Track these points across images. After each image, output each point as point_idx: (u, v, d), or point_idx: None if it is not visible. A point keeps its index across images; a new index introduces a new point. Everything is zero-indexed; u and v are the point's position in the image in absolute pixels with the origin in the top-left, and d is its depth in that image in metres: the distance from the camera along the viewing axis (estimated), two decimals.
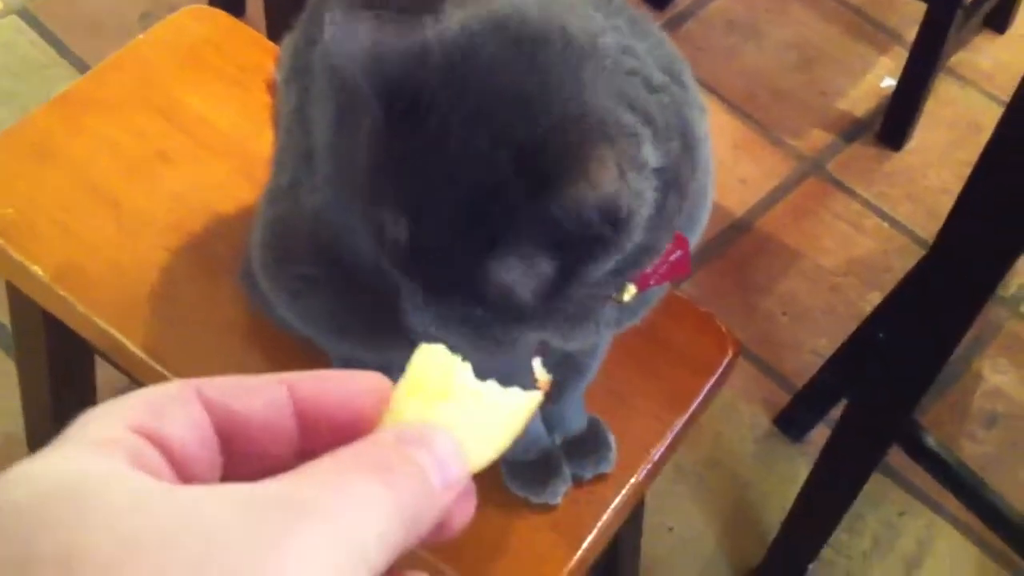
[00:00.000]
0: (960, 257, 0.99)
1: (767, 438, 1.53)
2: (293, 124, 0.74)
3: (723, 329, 0.89)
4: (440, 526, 0.32)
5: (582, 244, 0.56)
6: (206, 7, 1.06)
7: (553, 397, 0.81)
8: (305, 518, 0.28)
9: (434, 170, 0.55)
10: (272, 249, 0.78)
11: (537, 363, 0.45)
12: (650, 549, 1.39)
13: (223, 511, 0.27)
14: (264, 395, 0.33)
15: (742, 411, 1.55)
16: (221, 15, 1.04)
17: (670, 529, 1.44)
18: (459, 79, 0.55)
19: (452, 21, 0.56)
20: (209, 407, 0.32)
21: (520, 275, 0.56)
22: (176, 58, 1.01)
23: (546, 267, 0.56)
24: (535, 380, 0.42)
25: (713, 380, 0.87)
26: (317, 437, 0.34)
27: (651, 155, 0.56)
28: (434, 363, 0.36)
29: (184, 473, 0.31)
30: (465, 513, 0.34)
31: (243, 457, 0.33)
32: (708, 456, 1.51)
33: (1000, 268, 1.00)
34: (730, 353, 0.88)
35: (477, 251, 0.55)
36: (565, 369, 0.79)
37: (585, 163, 0.52)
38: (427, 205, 0.56)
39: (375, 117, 0.56)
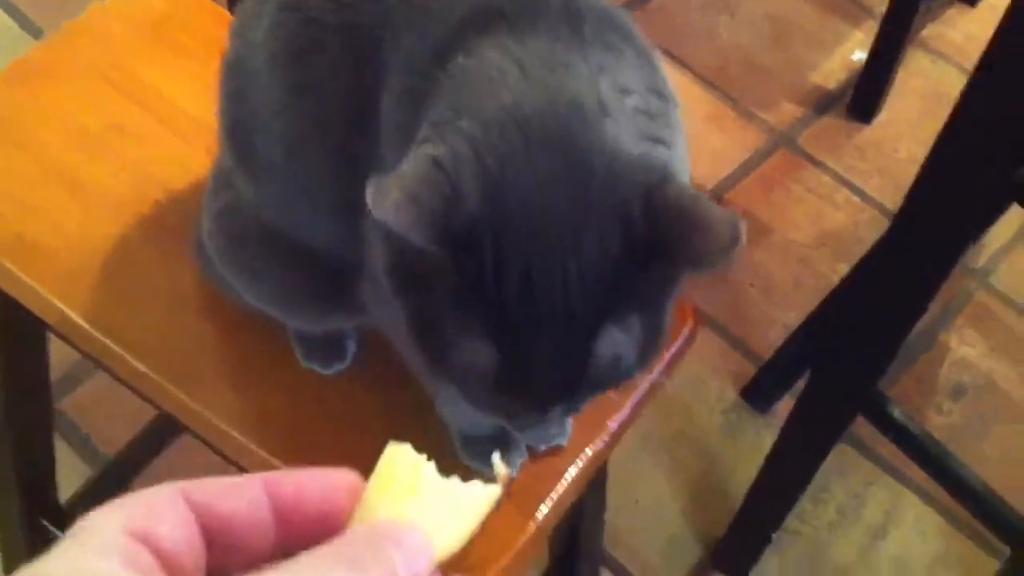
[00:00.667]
0: (924, 227, 0.99)
1: (734, 410, 1.53)
2: (228, 103, 0.73)
3: (683, 299, 0.89)
4: None
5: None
6: None
7: None
8: None
9: (525, 296, 0.53)
10: (224, 236, 0.77)
11: (496, 457, 0.47)
12: (616, 521, 1.39)
13: None
14: (246, 495, 0.37)
15: (710, 384, 1.55)
16: None
17: (636, 501, 1.44)
18: (504, 197, 0.53)
19: (455, 141, 0.55)
20: (195, 508, 0.36)
21: (623, 342, 0.55)
22: (135, 29, 0.99)
23: (637, 323, 0.55)
24: (495, 475, 0.44)
25: (674, 350, 0.87)
26: (293, 529, 0.37)
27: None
28: (402, 460, 0.39)
29: (174, 570, 0.35)
30: None
31: (225, 550, 0.37)
32: (675, 429, 1.51)
33: (964, 238, 1.00)
34: (690, 323, 0.88)
35: (583, 349, 0.55)
36: None
37: (687, 208, 0.53)
38: (525, 329, 0.54)
39: (435, 262, 0.54)
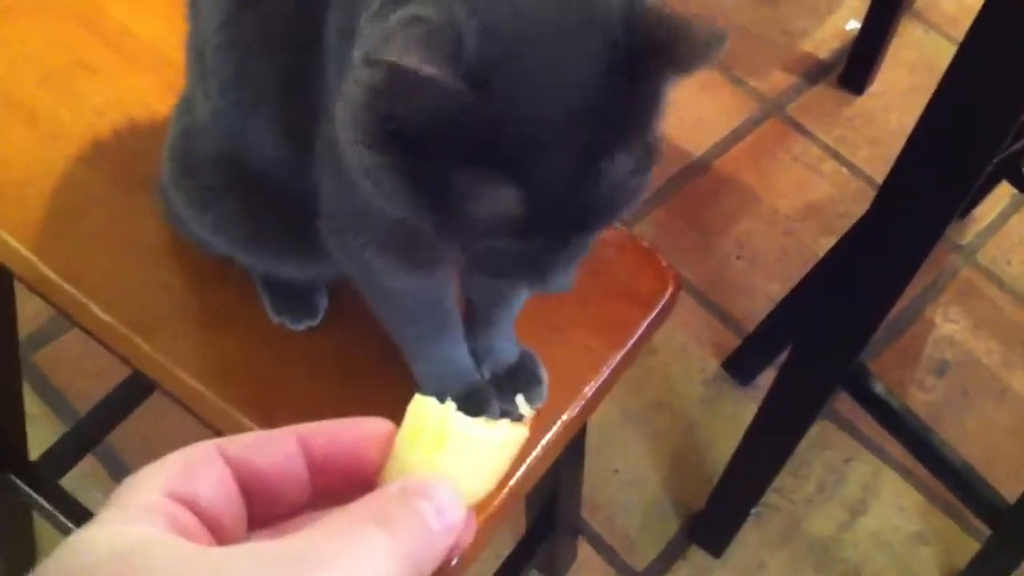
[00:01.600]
0: (908, 200, 0.97)
1: (716, 381, 1.52)
2: (189, 21, 0.71)
3: (664, 263, 0.86)
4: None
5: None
6: None
7: (480, 327, 0.78)
8: (318, 569, 0.32)
9: (540, 127, 0.52)
10: (178, 161, 0.75)
11: (520, 399, 0.49)
12: (594, 491, 1.38)
13: (251, 568, 0.32)
14: (281, 449, 0.38)
15: (692, 354, 1.53)
16: None
17: (615, 471, 1.42)
18: (499, 32, 0.52)
19: None
20: (232, 464, 0.37)
21: (626, 161, 0.54)
22: None
23: (634, 143, 0.54)
24: (520, 416, 0.45)
25: (653, 315, 0.84)
26: (327, 480, 0.39)
27: None
28: (429, 411, 0.40)
29: (215, 527, 0.36)
30: (466, 540, 0.38)
31: (263, 504, 0.38)
32: (656, 399, 1.49)
33: (948, 212, 0.97)
34: (671, 287, 0.85)
35: (595, 172, 0.54)
36: (491, 295, 0.76)
37: (667, 15, 0.52)
38: (542, 161, 0.53)
39: (442, 90, 0.51)
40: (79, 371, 1.38)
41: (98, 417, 1.22)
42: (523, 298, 0.78)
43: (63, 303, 0.81)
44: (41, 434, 1.22)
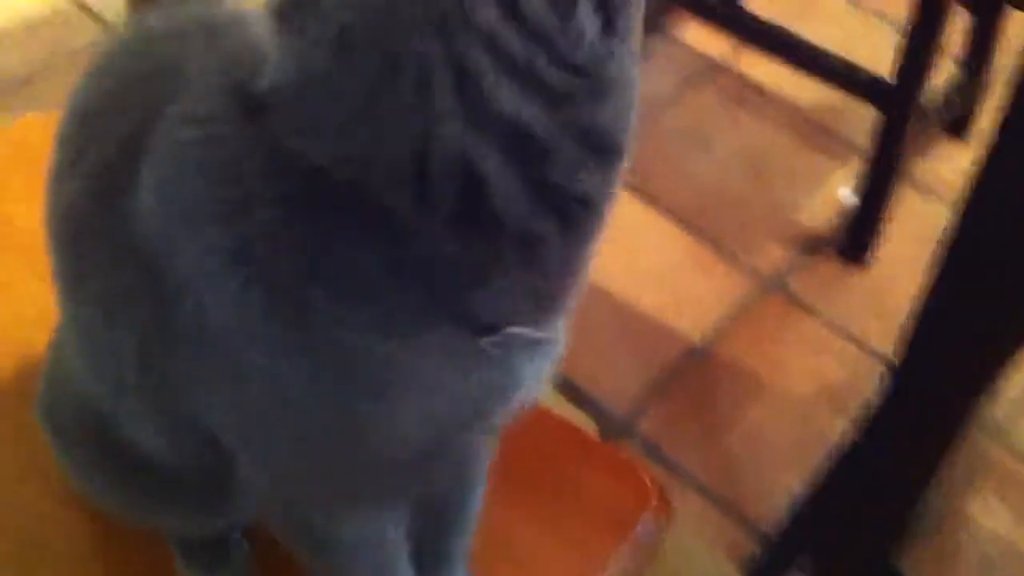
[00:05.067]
0: (926, 380, 0.86)
1: None
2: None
3: (646, 478, 0.74)
4: None
5: None
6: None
7: (432, 569, 0.66)
8: None
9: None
10: (48, 389, 0.66)
11: None
12: None
13: None
14: None
15: (704, 560, 1.38)
16: None
17: None
18: None
19: None
20: None
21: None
22: (11, 166, 0.89)
23: None
24: None
25: (634, 540, 0.71)
26: None
27: None
28: None
29: None
30: None
31: None
32: None
33: (973, 391, 0.86)
34: (653, 503, 0.72)
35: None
36: (440, 519, 0.64)
37: None
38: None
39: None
40: None
41: None
42: (476, 510, 0.66)
43: None
44: None
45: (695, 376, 1.59)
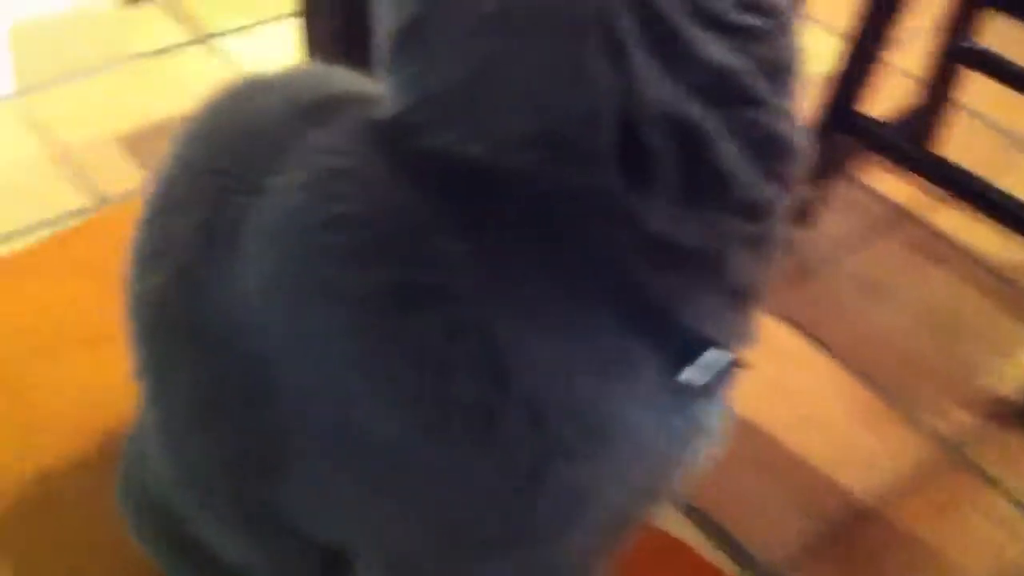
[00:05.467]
0: None
1: None
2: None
3: None
4: None
5: None
6: None
7: None
8: None
9: None
10: (125, 482, 0.65)
11: None
12: None
13: None
14: None
15: None
16: None
17: None
18: None
19: None
20: None
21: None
22: None
23: None
24: None
25: None
26: None
27: None
28: None
29: None
30: None
31: None
32: None
33: None
34: None
35: None
36: None
37: None
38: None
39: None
40: None
41: None
42: None
43: None
44: None
45: (860, 537, 1.48)
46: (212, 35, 2.05)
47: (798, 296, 1.79)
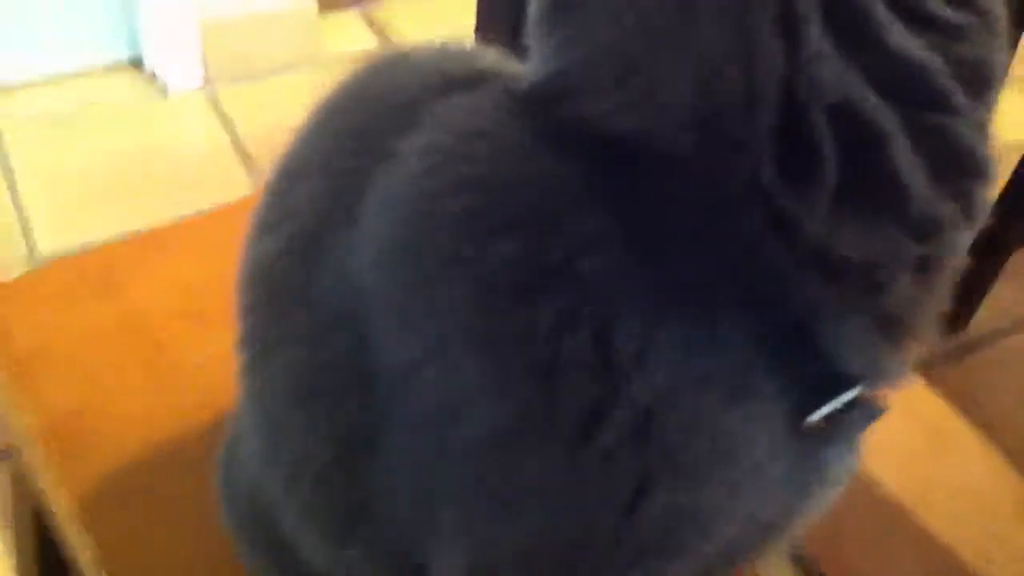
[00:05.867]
0: None
1: None
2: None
3: None
4: None
5: None
6: None
7: None
8: None
9: None
10: (222, 474, 0.62)
11: None
12: None
13: None
14: None
15: None
16: None
17: None
18: None
19: None
20: None
21: None
22: None
23: None
24: None
25: None
26: None
27: None
28: None
29: None
30: None
31: None
32: None
33: None
34: None
35: None
36: None
37: None
38: None
39: None
40: None
41: None
42: None
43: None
44: None
45: None
46: (401, 43, 2.09)
47: (958, 367, 1.66)
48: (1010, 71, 0.43)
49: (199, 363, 0.77)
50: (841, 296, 0.39)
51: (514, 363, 0.40)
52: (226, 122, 1.88)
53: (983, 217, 0.42)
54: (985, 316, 1.67)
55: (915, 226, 0.39)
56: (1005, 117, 0.43)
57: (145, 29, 1.90)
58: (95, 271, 0.84)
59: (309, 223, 0.49)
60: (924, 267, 0.40)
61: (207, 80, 1.93)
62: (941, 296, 0.43)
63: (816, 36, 0.37)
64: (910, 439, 1.37)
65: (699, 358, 0.39)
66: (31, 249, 1.64)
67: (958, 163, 0.40)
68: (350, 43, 2.08)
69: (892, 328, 0.41)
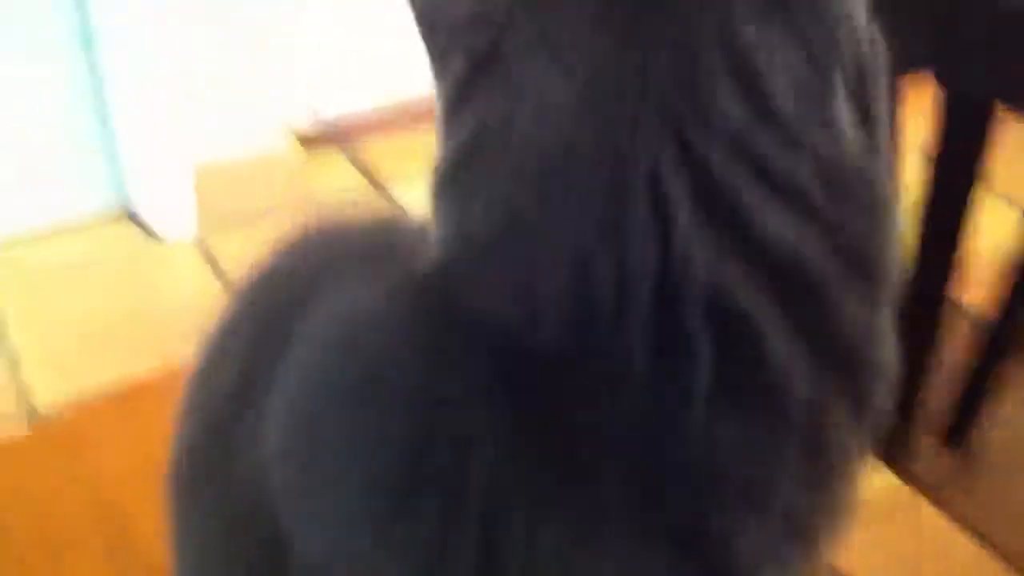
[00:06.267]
0: None
1: None
2: None
3: None
4: None
5: None
6: None
7: None
8: None
9: None
10: None
11: None
12: None
13: None
14: None
15: None
16: None
17: None
18: None
19: None
20: None
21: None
22: None
23: None
24: None
25: None
26: None
27: None
28: None
29: None
30: None
31: None
32: None
33: None
34: None
35: None
36: None
37: None
38: None
39: None
40: None
41: None
42: None
43: None
44: None
45: None
46: (387, 182, 2.12)
47: (973, 495, 1.61)
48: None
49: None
50: (728, 496, 0.38)
51: (407, 557, 0.40)
52: (215, 269, 1.90)
53: (874, 416, 0.41)
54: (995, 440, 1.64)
55: (797, 422, 0.37)
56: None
57: (131, 180, 1.93)
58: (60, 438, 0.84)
59: (224, 412, 0.49)
60: (814, 463, 0.38)
61: (197, 227, 1.96)
62: (839, 493, 0.41)
63: (686, 223, 0.36)
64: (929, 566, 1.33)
65: (585, 556, 0.38)
66: (22, 398, 1.63)
67: (844, 362, 0.38)
68: (334, 182, 2.11)
69: (794, 528, 0.40)
